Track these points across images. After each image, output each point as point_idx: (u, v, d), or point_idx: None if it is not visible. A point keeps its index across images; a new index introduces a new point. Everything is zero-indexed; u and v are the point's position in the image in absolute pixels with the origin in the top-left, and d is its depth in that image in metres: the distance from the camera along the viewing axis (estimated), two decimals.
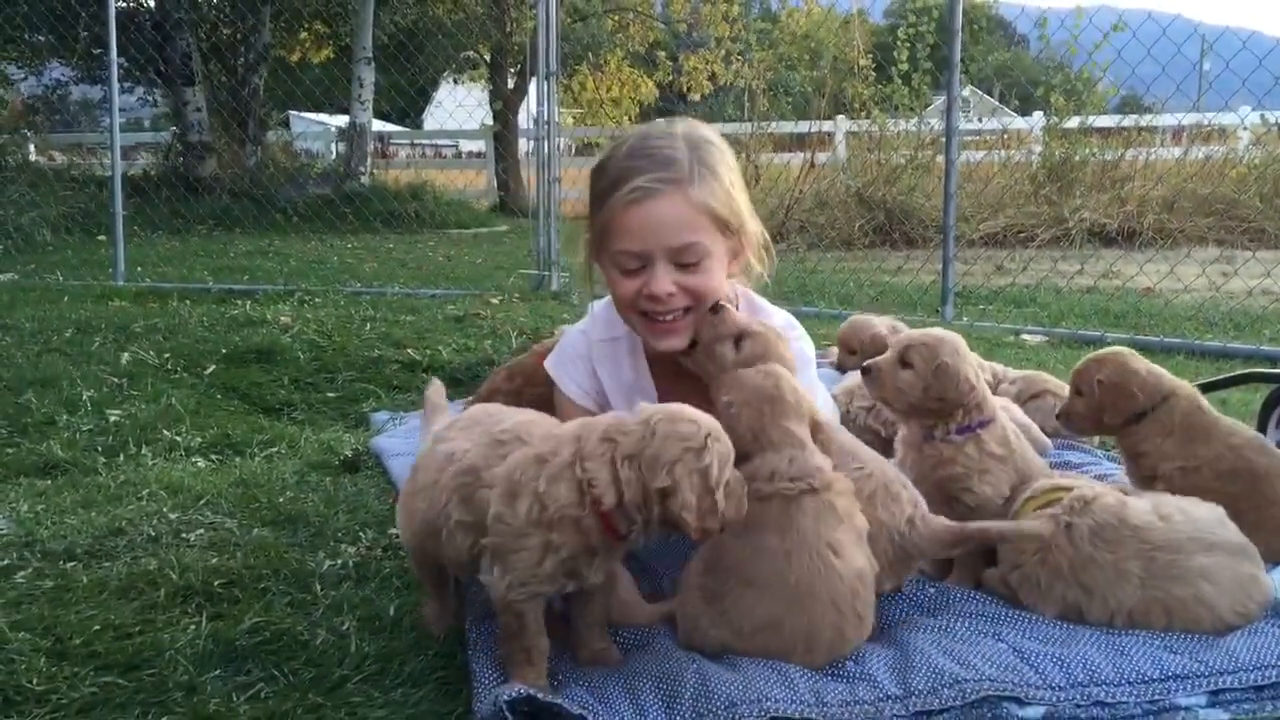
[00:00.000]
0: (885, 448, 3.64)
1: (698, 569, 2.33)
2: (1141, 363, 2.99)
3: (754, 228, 2.77)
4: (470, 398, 4.24)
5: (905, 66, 12.22)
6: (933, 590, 2.64)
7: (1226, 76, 8.72)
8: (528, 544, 2.07)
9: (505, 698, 1.97)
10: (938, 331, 2.85)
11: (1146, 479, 2.91)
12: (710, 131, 2.78)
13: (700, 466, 2.03)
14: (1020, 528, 2.48)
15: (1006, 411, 3.13)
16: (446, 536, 2.24)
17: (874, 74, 13.33)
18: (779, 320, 2.88)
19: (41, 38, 18.10)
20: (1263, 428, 3.48)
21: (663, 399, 2.86)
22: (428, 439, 2.51)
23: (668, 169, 2.62)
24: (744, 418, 2.35)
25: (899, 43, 12.24)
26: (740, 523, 2.15)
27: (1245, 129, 12.52)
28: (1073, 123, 12.51)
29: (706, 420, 2.12)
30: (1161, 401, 2.92)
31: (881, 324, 4.86)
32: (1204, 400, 2.99)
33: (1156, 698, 2.10)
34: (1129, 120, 13.08)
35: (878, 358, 2.88)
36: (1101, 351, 3.06)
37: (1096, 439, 3.99)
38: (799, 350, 2.78)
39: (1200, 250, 10.11)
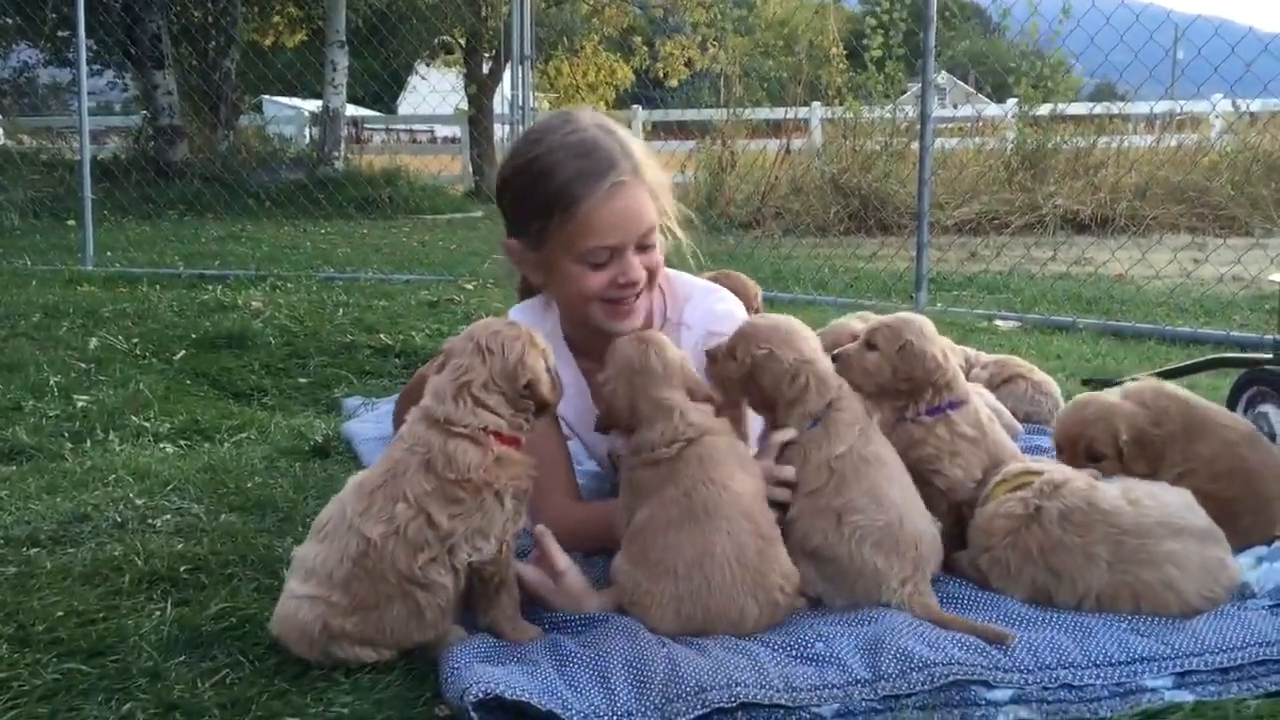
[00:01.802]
0: None
1: (622, 553, 2.43)
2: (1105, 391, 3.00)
3: (669, 201, 2.85)
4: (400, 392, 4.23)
5: (878, 53, 12.23)
6: None
7: (1199, 64, 8.76)
8: (487, 504, 2.25)
9: (472, 699, 1.96)
10: (904, 314, 2.88)
11: (1144, 479, 2.88)
12: (603, 117, 2.84)
13: (541, 348, 2.37)
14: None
15: (979, 397, 3.13)
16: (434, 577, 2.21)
17: (848, 61, 13.31)
18: (701, 293, 3.00)
19: (9, 19, 17.85)
20: (1231, 410, 3.49)
21: (594, 393, 2.89)
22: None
23: (622, 159, 2.65)
24: (618, 392, 2.48)
25: (871, 30, 12.25)
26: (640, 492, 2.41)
27: (1217, 117, 12.59)
28: (1045, 110, 12.55)
29: (507, 319, 2.46)
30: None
31: (859, 325, 4.84)
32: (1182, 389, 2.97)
33: (1123, 680, 2.11)
34: (1101, 108, 13.14)
35: (847, 345, 2.89)
36: (1073, 401, 3.03)
37: None
38: (726, 312, 2.95)
39: (1172, 237, 10.17)
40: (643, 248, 2.69)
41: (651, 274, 2.73)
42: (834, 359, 2.89)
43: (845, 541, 2.42)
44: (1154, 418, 2.88)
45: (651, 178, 2.72)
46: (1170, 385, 3.00)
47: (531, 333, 2.40)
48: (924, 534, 2.50)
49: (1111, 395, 2.99)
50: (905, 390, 2.78)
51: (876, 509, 2.45)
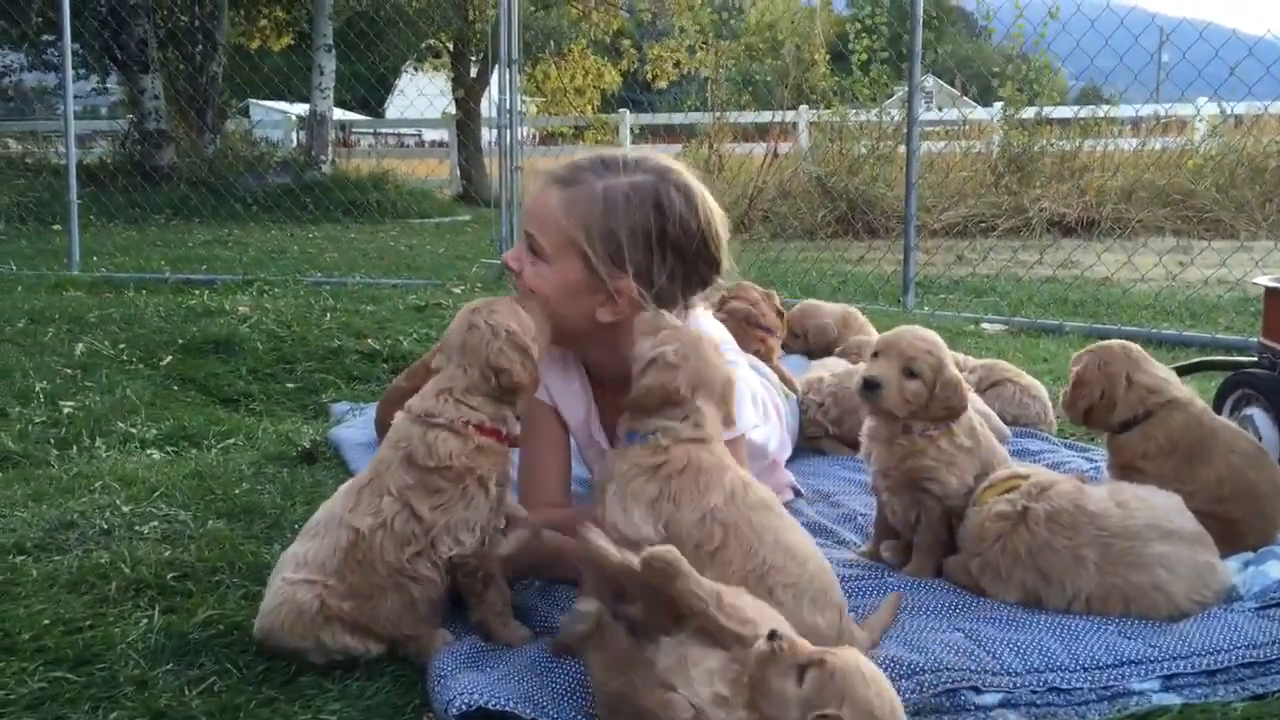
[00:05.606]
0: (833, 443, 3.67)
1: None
2: (1129, 364, 2.89)
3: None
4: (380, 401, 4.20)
5: (863, 57, 12.26)
6: (893, 579, 2.67)
7: (1184, 68, 8.82)
8: (468, 492, 2.27)
9: (455, 711, 1.95)
10: (919, 332, 2.79)
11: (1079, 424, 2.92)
12: (675, 196, 2.57)
13: (510, 339, 2.33)
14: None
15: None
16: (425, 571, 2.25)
17: (833, 65, 13.36)
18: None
19: None
20: (1216, 413, 3.50)
21: (602, 412, 2.89)
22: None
23: (575, 171, 2.60)
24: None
25: (854, 35, 12.31)
26: None
27: (1202, 120, 12.65)
28: (1030, 113, 12.61)
29: (496, 303, 2.42)
30: (1150, 413, 2.86)
31: (830, 314, 4.88)
32: (1201, 404, 2.92)
33: (1111, 683, 2.12)
34: (1087, 111, 13.19)
35: (878, 373, 2.74)
36: (1107, 341, 3.00)
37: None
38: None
39: (1157, 240, 10.21)
40: (531, 250, 2.58)
41: (526, 290, 2.57)
42: (867, 386, 2.74)
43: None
44: (1136, 397, 2.87)
45: (590, 222, 2.52)
46: (1199, 402, 2.93)
47: (505, 316, 2.37)
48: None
49: (1137, 351, 2.95)
50: (936, 415, 2.74)
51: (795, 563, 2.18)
